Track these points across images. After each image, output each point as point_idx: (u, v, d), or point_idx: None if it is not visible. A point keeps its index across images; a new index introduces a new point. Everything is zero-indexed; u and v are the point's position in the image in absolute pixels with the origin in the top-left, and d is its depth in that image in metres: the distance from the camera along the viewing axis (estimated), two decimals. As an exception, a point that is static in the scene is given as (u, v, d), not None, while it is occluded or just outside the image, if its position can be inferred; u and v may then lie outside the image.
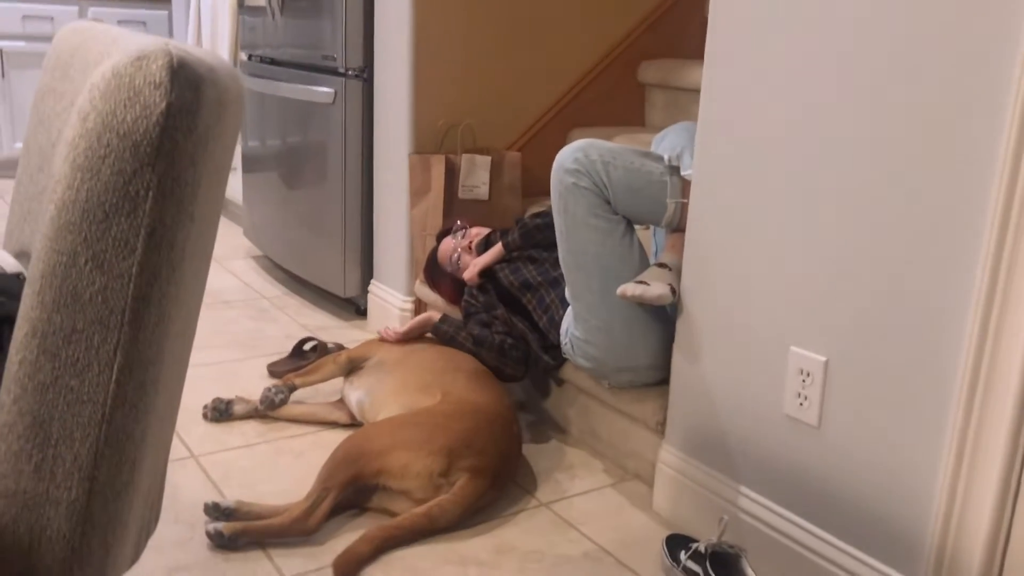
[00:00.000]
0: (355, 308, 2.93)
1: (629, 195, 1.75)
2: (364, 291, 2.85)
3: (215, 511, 1.66)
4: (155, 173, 0.52)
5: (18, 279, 0.74)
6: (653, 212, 1.78)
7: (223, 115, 0.57)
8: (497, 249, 2.22)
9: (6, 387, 0.54)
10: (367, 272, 2.83)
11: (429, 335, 2.19)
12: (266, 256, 3.43)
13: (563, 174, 1.76)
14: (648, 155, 1.78)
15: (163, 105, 0.51)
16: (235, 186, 3.75)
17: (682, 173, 1.77)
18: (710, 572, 1.50)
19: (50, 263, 0.52)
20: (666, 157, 1.77)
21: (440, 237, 2.46)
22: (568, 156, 1.76)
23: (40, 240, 0.53)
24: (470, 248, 2.31)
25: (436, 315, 2.10)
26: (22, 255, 0.85)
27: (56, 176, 0.53)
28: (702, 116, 1.63)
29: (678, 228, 1.79)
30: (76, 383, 0.53)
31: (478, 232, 2.33)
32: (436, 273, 2.43)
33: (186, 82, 0.52)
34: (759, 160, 1.53)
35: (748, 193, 1.55)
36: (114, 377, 0.53)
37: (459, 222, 2.40)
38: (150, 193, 0.52)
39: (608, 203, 1.76)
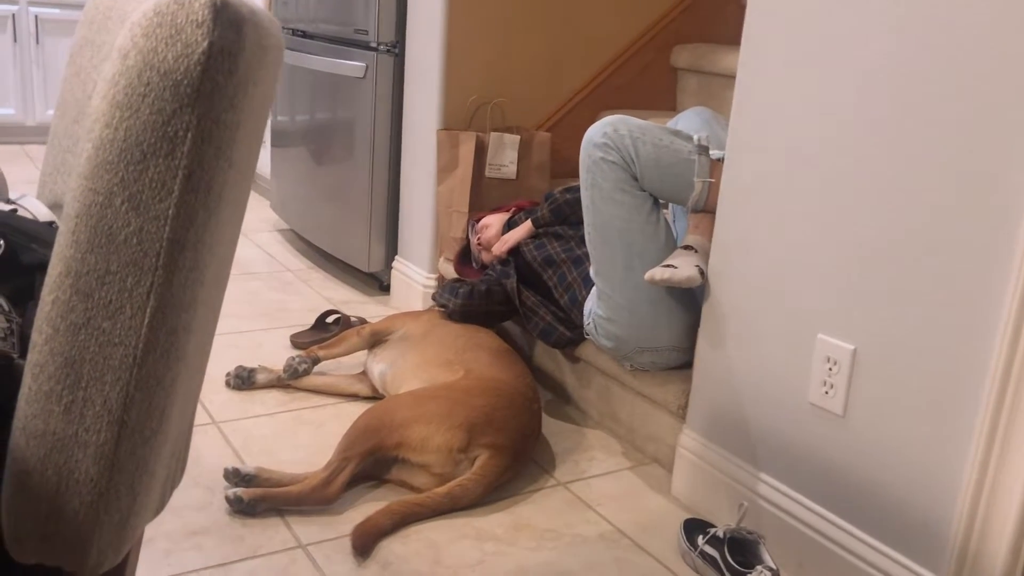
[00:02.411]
0: (378, 284, 2.93)
1: (657, 172, 1.73)
2: (388, 267, 2.85)
3: (235, 477, 1.67)
4: (195, 114, 0.51)
5: (51, 227, 0.74)
6: (680, 191, 1.76)
7: (264, 59, 0.55)
8: (526, 226, 2.22)
9: (38, 327, 0.54)
10: (391, 248, 2.83)
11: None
12: (292, 230, 3.44)
13: (592, 148, 1.75)
14: (678, 134, 1.76)
15: (205, 44, 0.50)
16: (263, 159, 3.75)
17: (711, 154, 1.74)
18: (727, 557, 1.49)
19: (85, 202, 0.51)
20: (696, 137, 1.75)
21: (467, 232, 2.46)
22: (597, 131, 1.75)
23: (76, 179, 0.52)
24: (479, 244, 2.30)
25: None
26: (55, 207, 0.85)
27: (94, 115, 0.52)
28: (737, 98, 1.61)
29: (705, 209, 1.77)
30: (108, 325, 0.52)
31: (483, 226, 2.32)
32: (467, 263, 2.43)
33: (228, 22, 0.51)
34: (793, 145, 1.50)
35: (781, 177, 1.53)
36: (147, 321, 0.52)
37: (471, 220, 2.40)
38: (189, 134, 0.51)
39: (635, 179, 1.75)
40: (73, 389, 0.53)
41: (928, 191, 1.31)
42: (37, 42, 4.59)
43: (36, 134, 4.77)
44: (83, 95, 0.81)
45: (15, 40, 4.53)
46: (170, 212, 0.52)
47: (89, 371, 0.52)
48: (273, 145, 3.40)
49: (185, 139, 0.51)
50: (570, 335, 2.05)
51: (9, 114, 4.66)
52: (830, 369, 1.46)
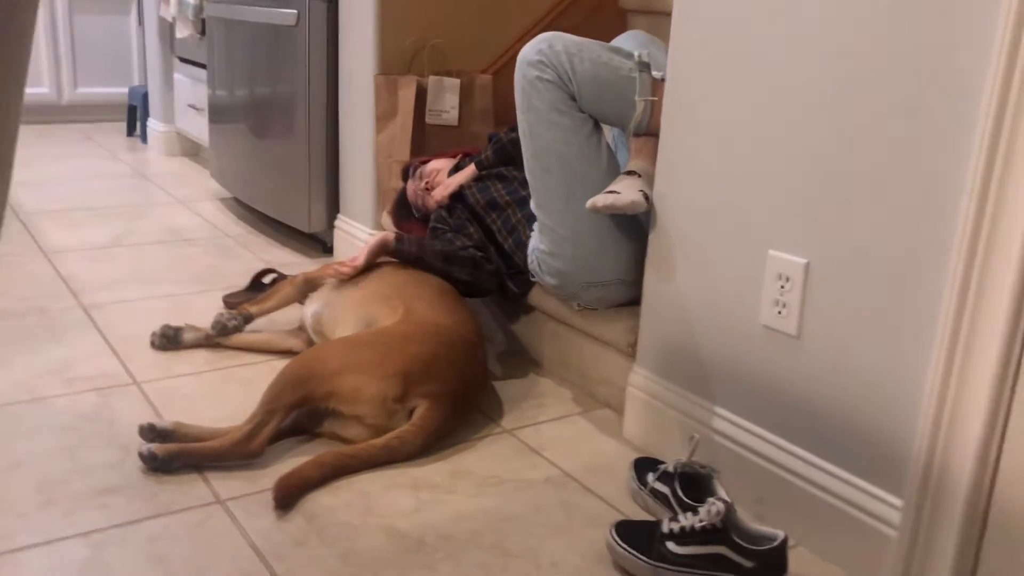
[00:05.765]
0: (322, 245, 2.83)
1: (595, 90, 1.64)
2: (330, 226, 2.75)
3: (150, 433, 1.55)
4: None
5: None
6: (620, 111, 1.67)
7: None
8: (470, 169, 2.12)
9: None
10: (333, 206, 2.73)
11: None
12: (235, 199, 3.32)
13: (526, 67, 1.66)
14: (617, 50, 1.67)
15: None
16: (201, 128, 3.62)
17: (653, 73, 1.65)
18: (679, 492, 1.40)
19: None
20: (636, 53, 1.65)
21: (405, 176, 2.35)
22: (531, 49, 1.66)
23: None
24: (428, 189, 2.19)
25: (391, 235, 1.98)
26: None
27: None
28: (676, 9, 1.51)
29: (648, 131, 1.68)
30: None
31: (433, 169, 2.21)
32: (404, 215, 2.32)
33: None
34: (735, 54, 1.41)
35: (725, 90, 1.44)
36: None
37: (413, 162, 2.29)
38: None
39: (573, 99, 1.66)
40: None
41: (880, 89, 1.22)
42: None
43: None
44: None
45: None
46: None
47: None
48: (211, 111, 3.27)
49: None
50: (519, 291, 1.97)
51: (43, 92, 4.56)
52: (782, 287, 1.38)
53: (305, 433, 1.65)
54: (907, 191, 1.20)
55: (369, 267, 1.97)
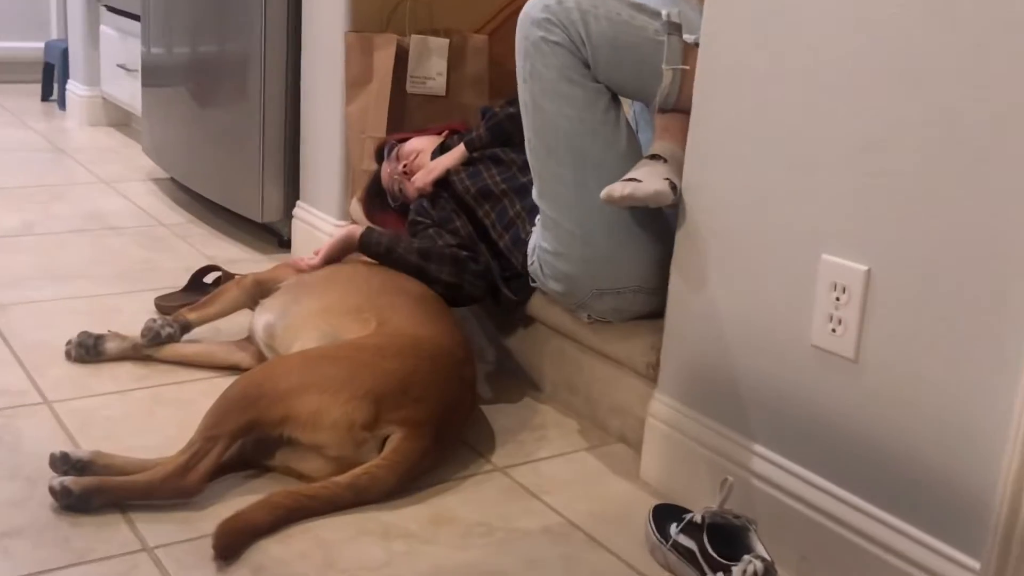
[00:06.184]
0: (277, 238, 2.88)
1: (613, 55, 1.67)
2: (288, 215, 2.79)
3: (64, 463, 1.57)
4: None
5: None
6: (644, 81, 1.70)
7: None
8: (459, 150, 2.15)
9: None
10: (291, 191, 2.77)
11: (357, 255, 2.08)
12: (171, 179, 3.34)
13: (530, 26, 1.69)
14: (642, 8, 1.70)
15: None
16: (133, 92, 3.63)
17: (684, 36, 1.67)
18: (708, 548, 1.41)
19: None
20: (664, 12, 1.68)
21: (379, 156, 2.36)
22: (537, 4, 1.70)
23: None
24: (407, 174, 2.20)
25: (357, 229, 1.99)
26: None
27: None
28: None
29: (676, 106, 1.71)
30: None
31: (413, 150, 2.23)
32: (378, 205, 2.33)
33: None
34: (786, 12, 1.43)
35: (771, 55, 1.46)
36: None
37: (389, 140, 2.30)
38: None
39: (586, 66, 1.69)
40: None
41: (961, 60, 1.22)
42: None
43: None
44: None
45: None
46: None
47: None
48: (144, 72, 3.28)
49: None
50: (517, 298, 1.99)
51: None
52: (837, 299, 1.40)
53: (253, 467, 1.66)
54: (997, 184, 1.21)
55: (335, 270, 1.98)
